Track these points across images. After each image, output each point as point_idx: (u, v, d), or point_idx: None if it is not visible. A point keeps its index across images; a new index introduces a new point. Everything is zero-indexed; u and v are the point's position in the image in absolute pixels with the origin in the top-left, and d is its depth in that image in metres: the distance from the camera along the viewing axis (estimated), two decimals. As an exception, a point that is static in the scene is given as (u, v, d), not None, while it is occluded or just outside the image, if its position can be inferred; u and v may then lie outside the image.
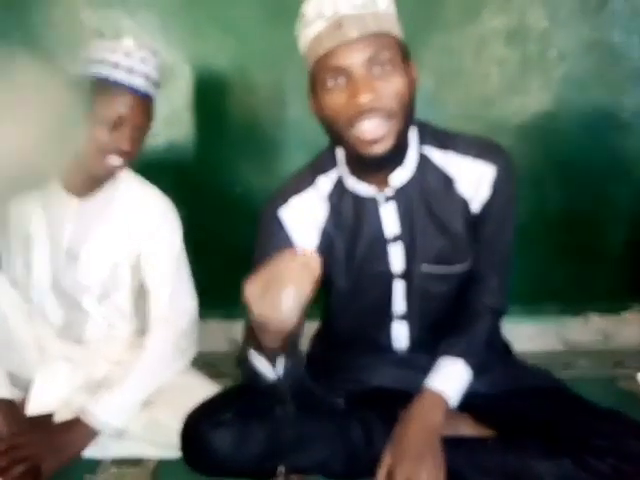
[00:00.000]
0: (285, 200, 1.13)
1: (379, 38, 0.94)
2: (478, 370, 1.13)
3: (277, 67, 1.70)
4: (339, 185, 1.13)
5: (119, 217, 1.35)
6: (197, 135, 1.79)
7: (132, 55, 1.20)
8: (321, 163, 1.15)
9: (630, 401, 1.38)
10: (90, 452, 1.26)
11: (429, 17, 1.64)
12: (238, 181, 1.81)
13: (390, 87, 0.95)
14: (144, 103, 1.23)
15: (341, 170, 1.12)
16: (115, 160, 1.22)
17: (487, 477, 1.07)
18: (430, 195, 1.10)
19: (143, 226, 1.35)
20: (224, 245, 1.84)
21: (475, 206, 1.11)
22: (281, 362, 0.98)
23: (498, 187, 1.09)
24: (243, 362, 1.06)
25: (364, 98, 0.93)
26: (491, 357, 1.18)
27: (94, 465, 1.28)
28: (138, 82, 1.20)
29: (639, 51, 1.66)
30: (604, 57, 1.67)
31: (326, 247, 1.14)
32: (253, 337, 0.96)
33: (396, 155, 1.03)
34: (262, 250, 1.13)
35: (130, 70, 1.19)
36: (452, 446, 1.10)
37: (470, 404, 1.17)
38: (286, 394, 1.00)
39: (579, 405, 1.12)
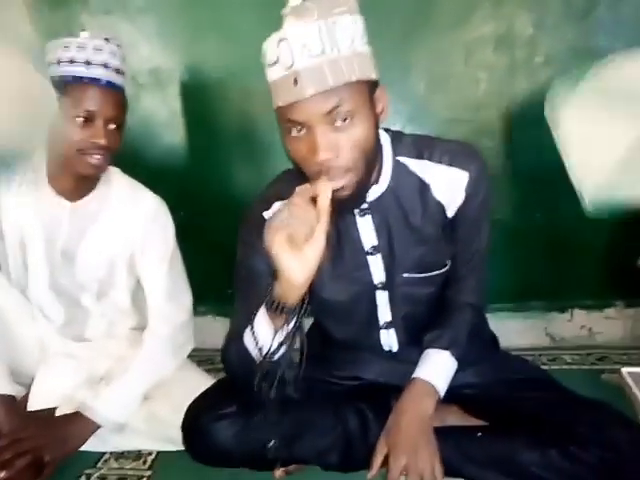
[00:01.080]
0: (269, 204, 1.14)
1: (338, 90, 0.89)
2: (462, 361, 1.17)
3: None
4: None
5: (112, 217, 1.36)
6: (194, 138, 1.81)
7: (86, 47, 1.18)
8: (300, 174, 1.12)
9: (614, 394, 1.41)
10: (90, 445, 1.29)
11: (420, 22, 1.66)
12: (234, 183, 1.83)
13: (351, 138, 0.92)
14: (111, 93, 1.21)
15: None
16: (96, 157, 1.22)
17: (474, 466, 1.09)
18: (406, 204, 1.11)
19: (136, 225, 1.37)
20: (220, 244, 1.85)
21: (451, 211, 1.12)
22: (290, 322, 0.97)
23: (471, 192, 1.09)
24: (234, 340, 1.06)
25: (323, 156, 0.90)
26: (475, 349, 1.21)
27: (94, 458, 1.32)
28: (98, 72, 1.18)
29: None
30: (589, 62, 1.69)
31: None
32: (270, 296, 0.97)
33: (359, 197, 1.02)
34: (246, 250, 1.14)
35: (87, 62, 1.17)
36: (440, 436, 1.13)
37: (458, 395, 1.20)
38: (273, 370, 0.99)
39: (564, 395, 1.15)
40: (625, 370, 1.44)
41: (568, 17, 1.66)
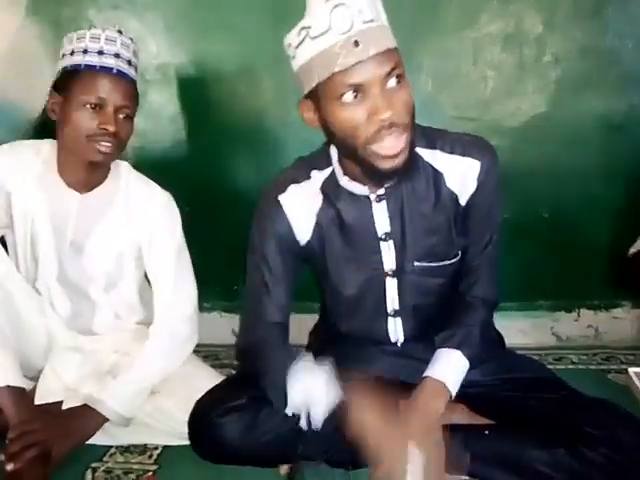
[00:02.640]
0: (284, 188, 1.15)
1: (391, 53, 0.95)
2: (474, 360, 1.16)
3: (280, 69, 1.72)
4: (332, 180, 1.14)
5: (121, 211, 1.37)
6: (201, 134, 1.82)
7: (99, 38, 1.22)
8: (315, 160, 1.17)
9: (620, 393, 1.41)
10: (96, 439, 1.29)
11: (428, 22, 1.67)
12: (240, 178, 1.84)
13: (403, 99, 0.97)
14: (121, 83, 1.24)
15: (335, 169, 1.14)
16: (105, 145, 1.24)
17: (481, 464, 1.09)
18: (420, 193, 1.12)
19: (145, 218, 1.38)
20: (226, 240, 1.87)
21: (463, 199, 1.13)
22: None
23: (483, 180, 1.11)
24: (250, 336, 1.14)
25: (385, 114, 0.93)
26: (486, 347, 1.20)
27: (100, 452, 1.32)
28: (109, 62, 1.22)
29: (632, 55, 1.68)
30: (598, 61, 1.69)
31: (319, 240, 1.17)
32: None
33: (409, 165, 1.04)
34: (260, 235, 1.17)
35: (99, 52, 1.22)
36: (447, 433, 1.11)
37: (466, 393, 1.19)
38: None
39: (572, 395, 1.15)
40: (632, 370, 1.44)
41: (577, 16, 1.67)
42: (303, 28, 0.96)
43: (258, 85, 1.74)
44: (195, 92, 1.78)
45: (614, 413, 1.07)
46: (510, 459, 1.07)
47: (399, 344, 1.26)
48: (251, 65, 1.72)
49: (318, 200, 1.15)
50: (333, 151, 1.13)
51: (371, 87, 0.94)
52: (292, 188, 1.15)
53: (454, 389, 1.12)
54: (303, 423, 1.06)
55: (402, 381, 1.22)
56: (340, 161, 1.12)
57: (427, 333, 1.20)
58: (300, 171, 1.17)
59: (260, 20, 1.68)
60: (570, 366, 1.71)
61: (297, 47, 0.98)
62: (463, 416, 1.21)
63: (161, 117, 1.80)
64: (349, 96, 0.95)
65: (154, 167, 1.48)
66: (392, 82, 0.95)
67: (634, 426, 1.04)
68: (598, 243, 1.76)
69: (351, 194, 1.13)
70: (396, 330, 1.24)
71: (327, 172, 1.15)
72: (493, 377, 1.21)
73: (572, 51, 1.69)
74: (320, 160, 1.16)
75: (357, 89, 0.94)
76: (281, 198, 1.15)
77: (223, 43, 1.73)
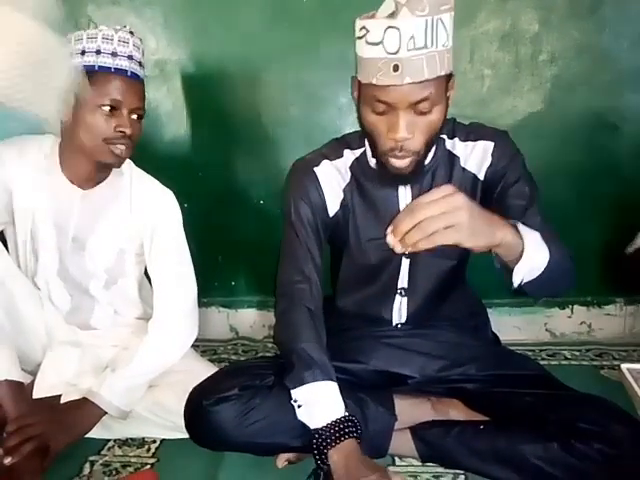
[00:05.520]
0: (319, 162, 1.22)
1: (429, 82, 0.97)
2: (555, 258, 0.99)
3: (280, 66, 1.73)
4: (363, 160, 1.20)
5: (124, 207, 1.38)
6: (199, 130, 1.82)
7: (112, 39, 1.20)
8: (350, 140, 1.22)
9: (613, 389, 1.42)
10: (94, 432, 1.29)
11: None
12: (238, 175, 1.84)
13: (427, 123, 1.01)
14: (134, 84, 1.24)
15: (367, 150, 1.18)
16: (120, 147, 1.24)
17: (477, 459, 1.11)
18: (439, 178, 1.17)
19: (147, 215, 1.38)
20: (225, 237, 1.88)
21: (482, 175, 1.17)
22: None
23: (499, 155, 1.15)
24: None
25: (402, 136, 1.00)
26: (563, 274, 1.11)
27: (98, 446, 1.33)
28: (124, 64, 1.21)
29: (628, 54, 1.68)
30: (593, 60, 1.69)
31: (344, 215, 1.22)
32: None
33: (413, 174, 1.09)
34: (296, 197, 1.21)
35: (114, 54, 1.20)
36: (443, 429, 1.16)
37: (460, 389, 1.22)
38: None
39: (565, 391, 1.17)
40: (624, 366, 1.45)
41: (573, 15, 1.67)
42: (364, 28, 0.98)
43: (258, 82, 1.74)
44: (194, 89, 1.78)
45: (607, 409, 1.08)
46: (505, 454, 1.08)
47: (399, 325, 1.28)
48: (251, 62, 1.72)
49: (346, 177, 1.22)
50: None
51: (399, 108, 0.99)
52: (325, 163, 1.22)
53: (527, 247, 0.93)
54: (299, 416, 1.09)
55: (398, 373, 1.25)
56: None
57: (427, 318, 1.25)
58: (333, 150, 1.24)
59: (260, 17, 1.68)
60: (563, 362, 1.72)
61: (358, 38, 1.01)
62: (459, 412, 1.23)
63: (159, 113, 1.79)
64: (379, 107, 1.01)
65: (152, 163, 1.47)
66: (423, 106, 0.99)
67: (626, 421, 1.05)
68: (591, 241, 1.77)
69: (379, 176, 1.17)
70: (401, 309, 1.27)
71: (358, 152, 1.21)
72: (488, 373, 1.23)
73: (568, 50, 1.69)
74: (354, 140, 1.22)
75: (387, 105, 0.99)
76: (316, 170, 1.21)
77: (222, 39, 1.72)
